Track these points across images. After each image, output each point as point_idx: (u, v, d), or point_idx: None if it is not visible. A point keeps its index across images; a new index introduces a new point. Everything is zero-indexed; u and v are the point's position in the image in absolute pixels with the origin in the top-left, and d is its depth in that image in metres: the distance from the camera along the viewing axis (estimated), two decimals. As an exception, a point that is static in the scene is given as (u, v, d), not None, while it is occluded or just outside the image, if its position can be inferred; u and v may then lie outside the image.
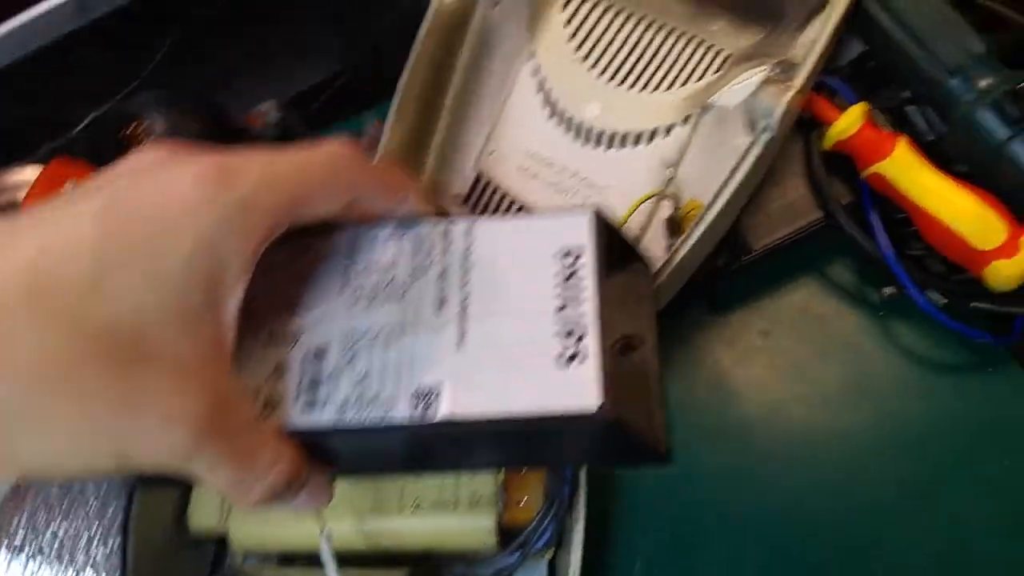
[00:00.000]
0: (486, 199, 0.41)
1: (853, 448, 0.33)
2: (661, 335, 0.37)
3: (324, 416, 0.21)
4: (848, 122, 0.34)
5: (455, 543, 0.29)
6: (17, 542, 0.28)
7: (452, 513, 0.28)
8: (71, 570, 0.28)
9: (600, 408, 0.20)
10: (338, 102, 0.47)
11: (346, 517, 0.28)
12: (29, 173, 0.38)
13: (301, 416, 0.21)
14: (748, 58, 0.37)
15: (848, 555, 0.32)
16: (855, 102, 0.35)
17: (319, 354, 0.22)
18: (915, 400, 0.34)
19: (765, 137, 0.32)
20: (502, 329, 0.22)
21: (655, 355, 0.23)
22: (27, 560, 0.28)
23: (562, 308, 0.23)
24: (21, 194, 0.38)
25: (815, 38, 0.32)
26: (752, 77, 0.35)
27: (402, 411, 0.21)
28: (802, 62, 0.31)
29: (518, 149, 0.40)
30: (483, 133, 0.41)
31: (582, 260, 0.23)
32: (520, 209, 0.40)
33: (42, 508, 0.28)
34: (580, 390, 0.21)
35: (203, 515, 0.29)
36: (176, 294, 0.18)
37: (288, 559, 0.29)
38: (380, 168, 0.24)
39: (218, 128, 0.44)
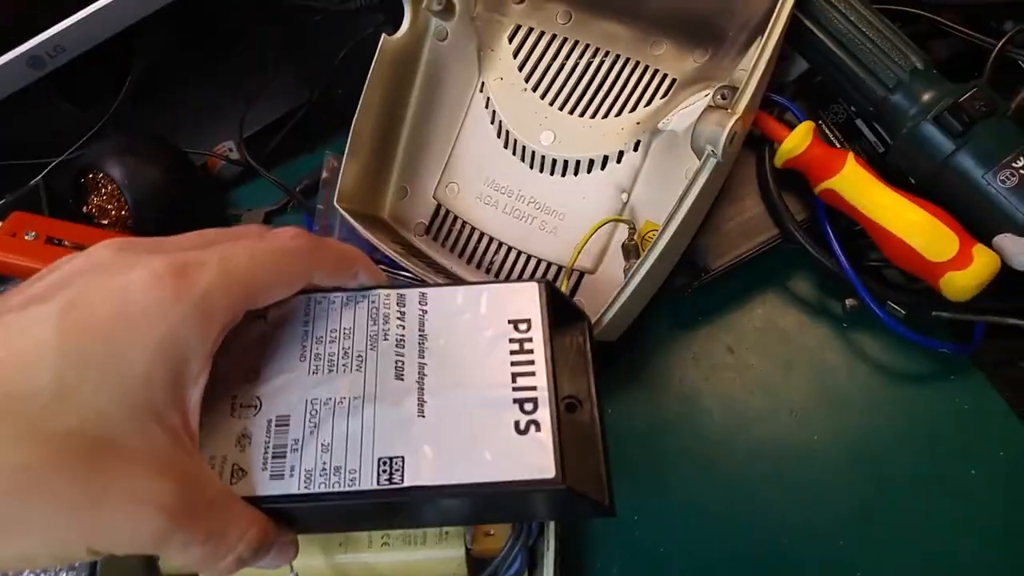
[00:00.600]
0: (447, 228, 0.41)
1: (821, 460, 0.33)
2: (624, 358, 0.37)
3: (291, 487, 0.22)
4: (796, 140, 0.34)
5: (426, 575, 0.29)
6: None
7: (421, 546, 0.28)
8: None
9: (554, 478, 0.22)
10: (296, 138, 0.47)
11: (316, 553, 0.28)
12: (-13, 227, 0.38)
13: (269, 485, 0.22)
14: (694, 81, 0.37)
15: (817, 566, 0.32)
16: (804, 119, 0.35)
17: (282, 423, 0.23)
18: (880, 410, 0.34)
19: (712, 163, 0.32)
20: (459, 401, 0.23)
21: (597, 410, 0.24)
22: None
23: (515, 377, 0.24)
24: (-21, 250, 0.38)
25: (755, 60, 0.32)
26: (698, 101, 0.36)
27: (367, 480, 0.22)
28: (744, 86, 0.32)
29: (475, 178, 0.40)
30: (440, 164, 0.41)
31: (532, 330, 0.25)
32: (481, 237, 0.41)
33: None
34: (537, 461, 0.22)
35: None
36: (139, 394, 0.19)
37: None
38: (331, 249, 0.24)
39: (176, 172, 0.44)
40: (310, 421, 0.23)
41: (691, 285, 0.36)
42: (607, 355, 0.37)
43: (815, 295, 0.37)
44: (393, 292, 0.26)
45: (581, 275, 0.37)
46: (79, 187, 0.43)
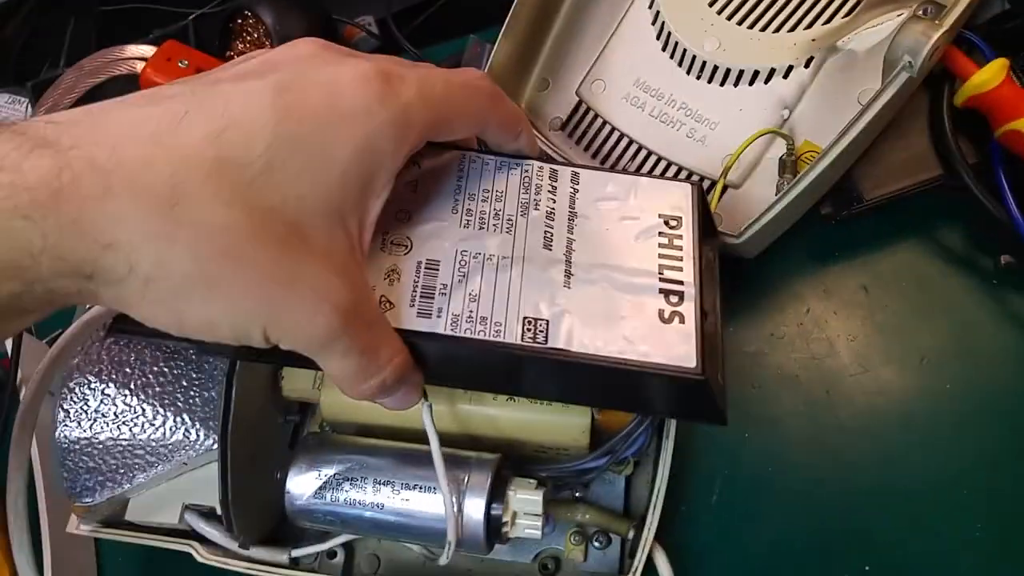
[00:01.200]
0: (585, 126, 0.40)
1: (951, 410, 0.32)
2: (755, 277, 0.36)
3: (437, 326, 0.22)
4: (988, 75, 0.32)
5: (547, 437, 0.28)
6: (128, 371, 0.29)
7: (547, 407, 0.28)
8: (171, 411, 0.29)
9: (695, 368, 0.22)
10: (438, 22, 0.47)
11: (442, 398, 0.28)
12: (145, 50, 0.39)
13: (415, 321, 0.22)
14: (883, 3, 0.35)
15: (937, 509, 0.31)
16: (993, 58, 0.33)
17: (432, 266, 0.23)
18: (1017, 371, 0.33)
19: (903, 76, 0.30)
20: (606, 279, 0.23)
21: (719, 326, 0.24)
22: (135, 392, 0.29)
23: (662, 268, 0.24)
24: (138, 66, 0.38)
25: (969, -21, 0.30)
26: (890, 21, 0.34)
27: (512, 335, 0.22)
28: (952, 4, 0.30)
29: (625, 78, 0.39)
30: (589, 60, 0.40)
31: (683, 229, 0.25)
32: (621, 138, 0.40)
33: (150, 348, 0.29)
34: (679, 350, 0.22)
35: (298, 379, 0.29)
36: (334, 192, 0.19)
37: (363, 433, 0.30)
38: (507, 101, 0.24)
39: (322, 30, 0.44)
40: (459, 270, 0.23)
41: (839, 214, 0.35)
42: (739, 272, 0.36)
43: (965, 247, 0.35)
44: (546, 166, 0.26)
45: (725, 188, 0.36)
46: (226, 30, 0.43)
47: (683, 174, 0.37)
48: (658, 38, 0.39)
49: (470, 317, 0.22)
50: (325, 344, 0.19)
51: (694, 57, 0.37)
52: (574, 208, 0.25)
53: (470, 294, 0.22)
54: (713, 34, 0.37)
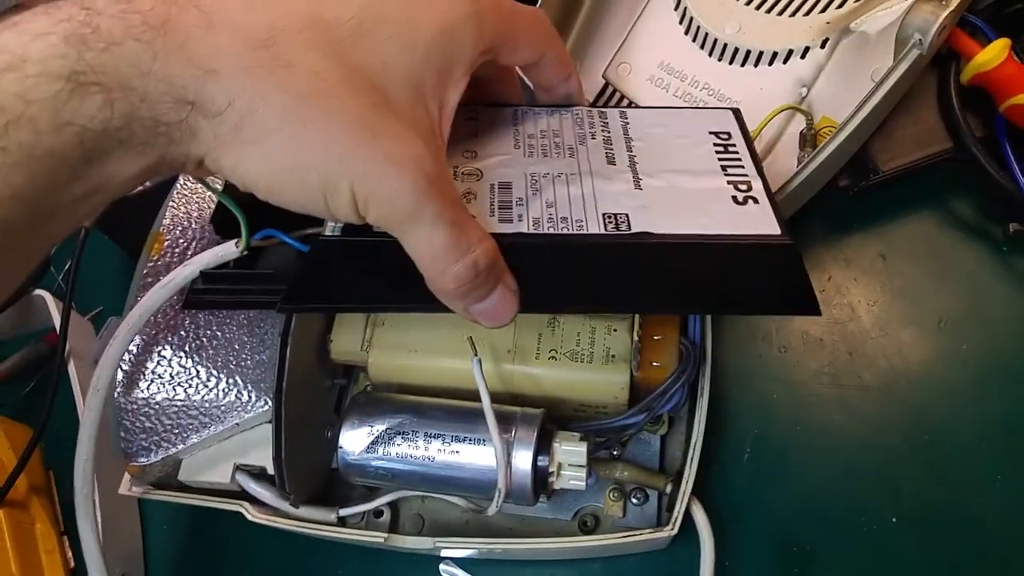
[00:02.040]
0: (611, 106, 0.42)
1: (970, 369, 0.34)
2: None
3: (520, 227, 0.23)
4: (991, 55, 0.34)
5: (587, 395, 0.29)
6: (183, 334, 0.30)
7: (588, 365, 0.29)
8: (224, 373, 0.30)
9: (781, 234, 0.23)
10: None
11: (487, 358, 0.29)
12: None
13: (498, 226, 0.23)
14: (893, -13, 0.37)
15: (957, 464, 0.32)
16: (996, 39, 0.35)
17: (504, 186, 0.24)
18: (1030, 333, 0.34)
19: (914, 53, 0.32)
20: (675, 180, 0.25)
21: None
22: (190, 354, 0.30)
23: (725, 169, 0.26)
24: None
25: (972, -37, 0.32)
26: (898, 4, 0.36)
27: (594, 227, 0.23)
28: (958, -16, 0.32)
29: (650, 61, 0.41)
30: (615, 43, 0.42)
31: (734, 139, 0.27)
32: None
33: (204, 312, 0.29)
34: (761, 221, 0.23)
35: (346, 341, 0.30)
36: (417, 64, 0.20)
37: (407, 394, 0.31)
38: (561, 42, 0.26)
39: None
40: (532, 187, 0.24)
41: (856, 185, 0.37)
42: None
43: (976, 216, 0.37)
44: (594, 109, 0.28)
45: (746, 163, 0.38)
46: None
47: (705, 152, 0.39)
48: (681, 22, 0.40)
49: (551, 218, 0.23)
50: (414, 210, 0.19)
51: (716, 40, 0.39)
52: (628, 135, 0.26)
53: (546, 202, 0.23)
54: (733, 18, 0.39)
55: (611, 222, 0.23)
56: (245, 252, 0.24)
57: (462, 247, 0.21)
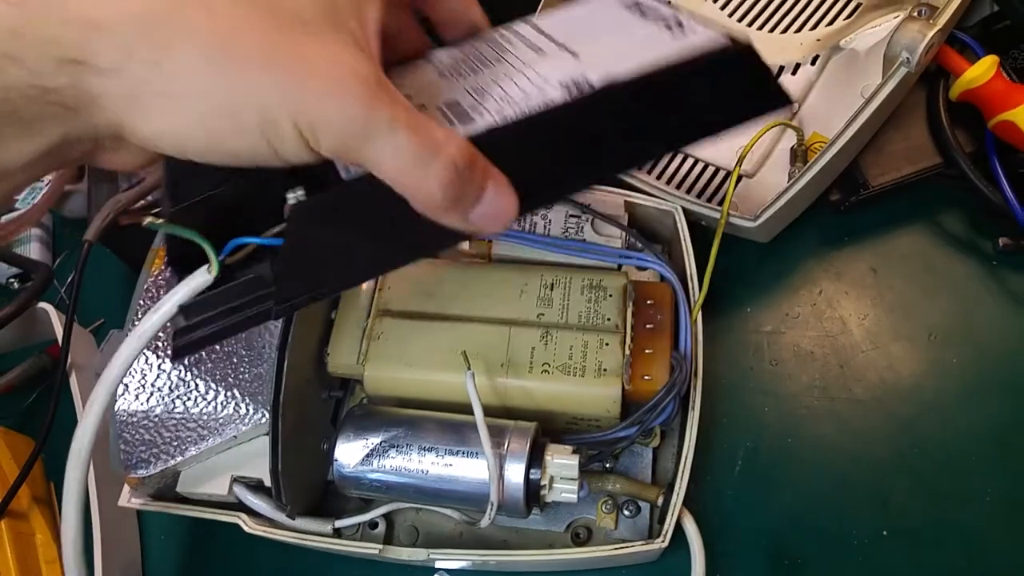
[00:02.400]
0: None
1: (959, 382, 0.34)
2: (770, 261, 0.38)
3: (484, 123, 0.21)
4: (980, 71, 0.35)
5: (579, 408, 0.30)
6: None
7: (580, 379, 0.30)
8: (222, 386, 0.30)
9: (730, 44, 0.22)
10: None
11: (480, 372, 0.30)
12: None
13: (463, 130, 0.21)
14: (881, 5, 0.38)
15: (947, 477, 0.32)
16: (984, 56, 0.36)
17: (451, 104, 0.22)
18: (1020, 346, 0.35)
19: (902, 71, 0.33)
20: (608, 42, 0.23)
21: None
22: (189, 367, 0.30)
23: (645, 15, 0.24)
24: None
25: (958, -16, 0.33)
26: (886, 22, 0.37)
27: (557, 94, 0.21)
28: (945, 4, 0.33)
29: (643, 78, 0.42)
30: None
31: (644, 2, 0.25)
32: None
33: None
34: (705, 36, 0.22)
35: (343, 354, 0.31)
36: None
37: (405, 406, 0.31)
38: None
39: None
40: (477, 94, 0.22)
41: (847, 200, 0.37)
42: (753, 257, 0.38)
43: (965, 231, 0.37)
44: (499, 27, 0.26)
45: (739, 178, 0.38)
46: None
47: (700, 166, 0.40)
48: (671, 41, 0.41)
49: (511, 102, 0.21)
50: (365, 122, 0.18)
51: (706, 58, 0.40)
52: (544, 32, 0.25)
53: (499, 97, 0.22)
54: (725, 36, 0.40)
55: (572, 87, 0.21)
56: (219, 275, 0.21)
57: (431, 147, 0.19)
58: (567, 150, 0.22)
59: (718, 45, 0.22)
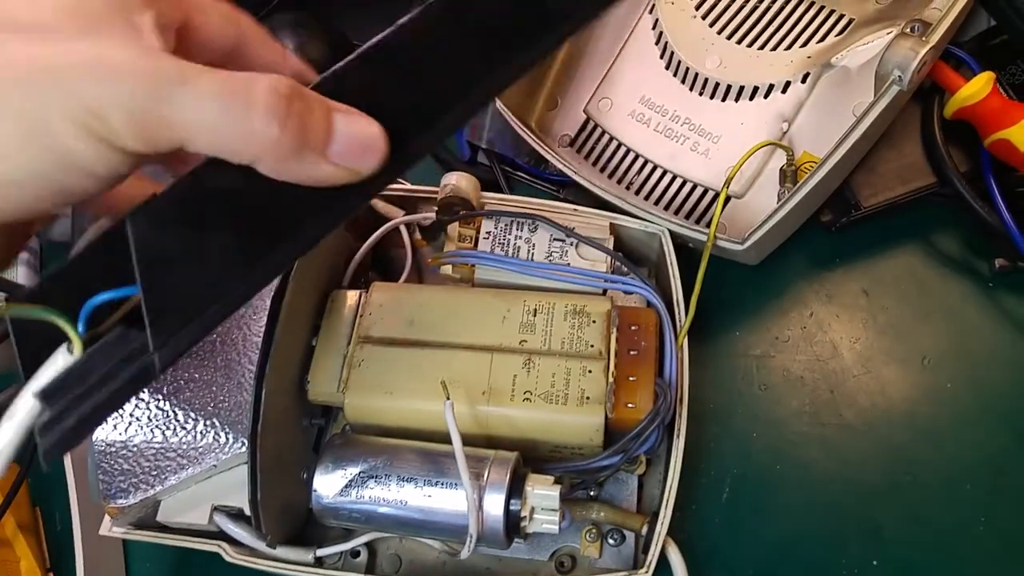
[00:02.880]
0: (593, 142, 0.42)
1: (954, 408, 0.33)
2: (760, 283, 0.37)
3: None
4: (975, 88, 0.34)
5: (562, 437, 0.29)
6: (161, 377, 0.30)
7: (562, 407, 0.29)
8: (201, 415, 0.30)
9: None
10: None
11: (461, 401, 0.29)
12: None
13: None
14: (873, 21, 0.37)
15: (942, 506, 0.32)
16: (980, 72, 0.35)
17: None
18: (1016, 371, 0.34)
19: (894, 90, 0.32)
20: None
21: None
22: (167, 396, 0.30)
23: None
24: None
25: (951, 2, 0.32)
26: (879, 39, 0.36)
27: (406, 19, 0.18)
28: (939, 21, 0.32)
29: (631, 96, 0.41)
30: (596, 79, 0.42)
31: None
32: (628, 153, 0.41)
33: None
34: None
35: (323, 382, 0.30)
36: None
37: (386, 435, 0.31)
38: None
39: (338, 54, 0.46)
40: None
41: (838, 221, 0.37)
42: (743, 279, 0.37)
43: (960, 251, 0.37)
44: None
45: (728, 199, 0.38)
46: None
47: (688, 186, 0.39)
48: (662, 57, 0.41)
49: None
50: (155, 84, 0.15)
51: (696, 75, 0.39)
52: None
53: None
54: (714, 53, 0.39)
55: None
56: (84, 352, 0.17)
57: (241, 87, 0.16)
58: (426, 75, 0.19)
59: None
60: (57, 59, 0.15)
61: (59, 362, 0.18)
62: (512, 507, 0.28)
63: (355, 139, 0.17)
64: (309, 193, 0.18)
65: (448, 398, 0.28)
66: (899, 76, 0.32)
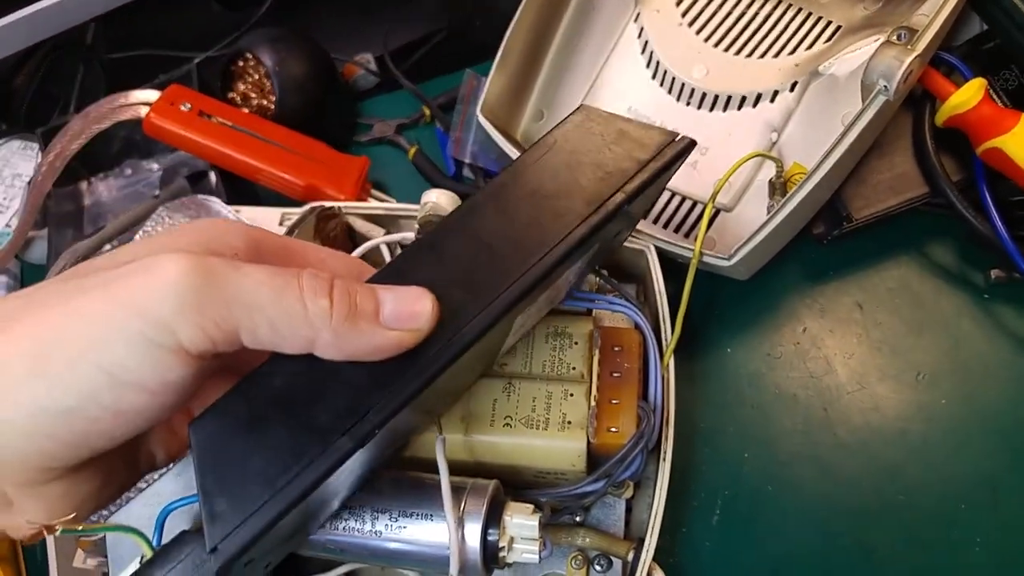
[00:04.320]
0: (579, 155, 0.42)
1: (948, 425, 0.32)
2: (752, 298, 0.36)
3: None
4: (967, 96, 0.33)
5: (543, 462, 0.29)
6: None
7: (543, 432, 0.28)
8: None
9: None
10: (431, 61, 0.48)
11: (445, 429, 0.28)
12: (149, 95, 0.40)
13: None
14: (861, 28, 0.36)
15: (935, 526, 0.31)
16: (972, 78, 0.34)
17: None
18: (1012, 387, 0.33)
19: (880, 100, 0.31)
20: None
21: None
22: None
23: None
24: (142, 111, 0.40)
25: (939, 6, 0.31)
26: (867, 46, 0.35)
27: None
28: (925, 28, 0.31)
29: (617, 107, 0.40)
30: (582, 90, 0.42)
31: None
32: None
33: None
34: None
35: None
36: None
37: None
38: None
39: (321, 71, 0.46)
40: None
41: (830, 234, 0.36)
42: (734, 294, 0.36)
43: (955, 263, 0.36)
44: None
45: (717, 212, 0.37)
46: (228, 74, 0.45)
47: (676, 199, 0.38)
48: (647, 67, 0.40)
49: None
50: (210, 283, 0.16)
51: (683, 84, 0.38)
52: None
53: None
54: (701, 61, 0.38)
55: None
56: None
57: (289, 271, 0.17)
58: (476, 252, 0.20)
59: None
60: (113, 283, 0.16)
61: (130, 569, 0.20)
62: (490, 537, 0.27)
63: (404, 298, 0.18)
64: (366, 378, 0.18)
65: (441, 433, 0.27)
66: (885, 86, 0.31)
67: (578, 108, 0.26)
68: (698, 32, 0.39)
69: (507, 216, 0.20)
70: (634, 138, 0.24)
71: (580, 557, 0.31)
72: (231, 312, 0.16)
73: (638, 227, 0.35)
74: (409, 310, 0.18)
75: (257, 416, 0.18)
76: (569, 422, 0.29)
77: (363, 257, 0.36)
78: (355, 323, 0.17)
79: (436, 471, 0.26)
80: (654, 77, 0.39)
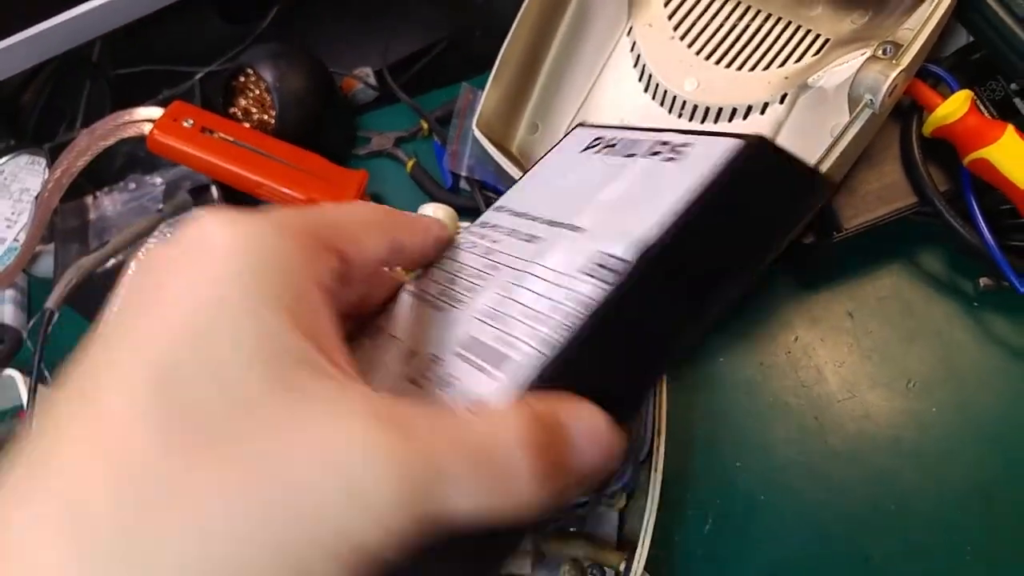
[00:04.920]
0: (574, 168, 0.42)
1: (940, 433, 0.33)
2: (744, 307, 0.37)
3: (521, 352, 0.17)
4: (953, 107, 0.34)
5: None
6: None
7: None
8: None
9: (748, 141, 0.18)
10: (430, 73, 0.49)
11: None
12: (153, 111, 0.41)
13: (505, 374, 0.17)
14: (849, 41, 0.37)
15: (927, 534, 0.31)
16: (958, 90, 0.35)
17: (470, 344, 0.18)
18: (1008, 392, 0.33)
19: (866, 113, 0.32)
20: (603, 196, 0.20)
21: None
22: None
23: (631, 155, 0.21)
24: (146, 128, 0.41)
25: (924, 21, 0.32)
26: (855, 59, 0.36)
27: (587, 287, 0.17)
28: (910, 43, 0.32)
29: (610, 119, 0.41)
30: (576, 103, 0.42)
31: (605, 136, 0.23)
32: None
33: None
34: (713, 148, 0.19)
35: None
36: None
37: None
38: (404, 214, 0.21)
39: (321, 85, 0.46)
40: (495, 321, 0.18)
41: (820, 245, 0.36)
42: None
43: (944, 271, 0.36)
44: (462, 226, 0.25)
45: (707, 221, 0.37)
46: (229, 89, 0.46)
47: (667, 209, 0.39)
48: (640, 79, 0.40)
49: (540, 317, 0.17)
50: (418, 492, 0.13)
51: (675, 97, 0.39)
52: (519, 212, 0.22)
53: (520, 316, 0.17)
54: (692, 74, 0.39)
55: (597, 271, 0.17)
56: None
57: (494, 449, 0.14)
58: (635, 344, 0.18)
59: (732, 150, 0.18)
60: (291, 475, 0.13)
61: None
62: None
63: (588, 426, 0.16)
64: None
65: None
66: (871, 99, 0.31)
67: (576, 126, 0.26)
68: (689, 45, 0.40)
69: None
70: None
71: (574, 567, 0.31)
72: (439, 527, 0.14)
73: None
74: (592, 440, 0.16)
75: None
76: (562, 432, 0.29)
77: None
78: (564, 496, 0.15)
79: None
80: (646, 90, 0.40)
